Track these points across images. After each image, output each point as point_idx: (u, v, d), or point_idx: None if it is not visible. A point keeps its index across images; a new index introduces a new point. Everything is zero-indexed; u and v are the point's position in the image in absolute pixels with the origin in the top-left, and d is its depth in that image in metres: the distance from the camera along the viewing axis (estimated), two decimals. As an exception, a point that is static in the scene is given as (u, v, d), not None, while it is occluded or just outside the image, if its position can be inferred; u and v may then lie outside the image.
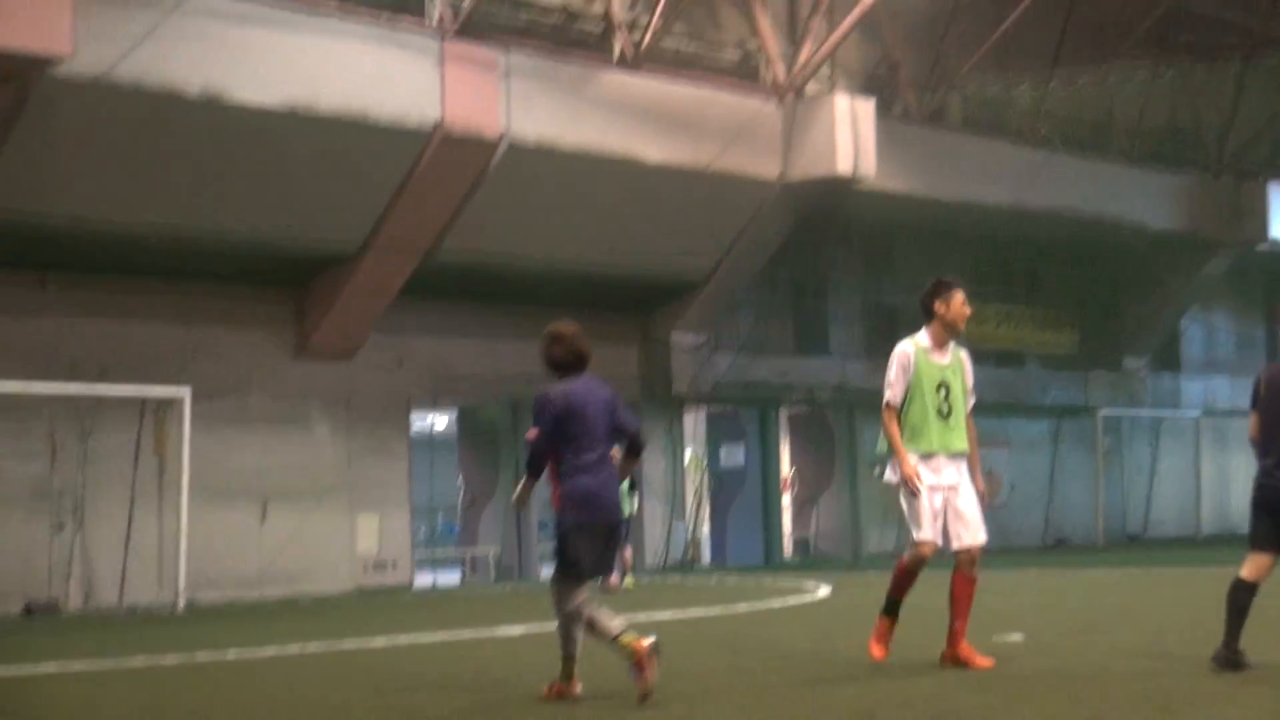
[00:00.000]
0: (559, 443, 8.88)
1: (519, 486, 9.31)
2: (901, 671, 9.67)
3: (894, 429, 9.73)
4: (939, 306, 9.88)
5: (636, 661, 8.46)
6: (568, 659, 8.88)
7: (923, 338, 9.92)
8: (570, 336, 9.09)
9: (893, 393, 9.76)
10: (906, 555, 9.77)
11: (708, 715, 8.21)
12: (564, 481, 8.91)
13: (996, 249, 32.83)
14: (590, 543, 8.86)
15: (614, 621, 8.69)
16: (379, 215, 22.63)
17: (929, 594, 10.16)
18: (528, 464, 9.08)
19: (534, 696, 8.93)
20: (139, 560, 21.69)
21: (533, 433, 8.98)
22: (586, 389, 8.99)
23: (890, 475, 9.81)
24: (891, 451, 9.75)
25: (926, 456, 9.71)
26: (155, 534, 21.72)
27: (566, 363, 9.06)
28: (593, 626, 8.73)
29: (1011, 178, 30.30)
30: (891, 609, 9.91)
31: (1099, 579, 20.41)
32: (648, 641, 8.49)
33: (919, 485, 9.60)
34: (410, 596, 23.22)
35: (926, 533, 9.63)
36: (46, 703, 9.86)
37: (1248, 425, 9.43)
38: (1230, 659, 8.96)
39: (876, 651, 9.90)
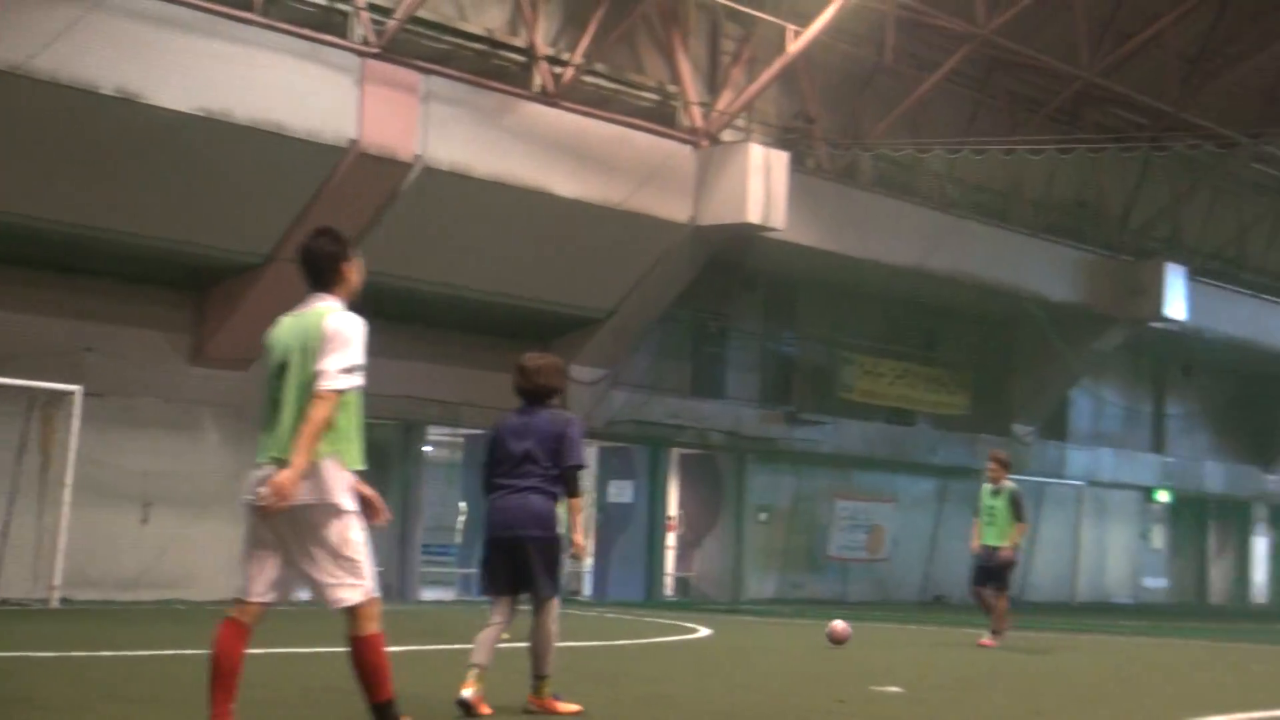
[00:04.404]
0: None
1: None
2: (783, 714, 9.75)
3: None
4: (349, 270, 7.49)
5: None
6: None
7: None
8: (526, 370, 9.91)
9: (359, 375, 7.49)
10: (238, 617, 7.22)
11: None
12: None
13: (897, 308, 33.28)
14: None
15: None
16: (286, 228, 22.52)
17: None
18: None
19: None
20: (15, 554, 21.39)
21: None
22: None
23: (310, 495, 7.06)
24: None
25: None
26: (34, 529, 21.43)
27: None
28: None
29: (917, 239, 30.71)
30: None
31: (975, 637, 20.63)
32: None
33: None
34: (295, 608, 23.03)
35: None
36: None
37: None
38: None
39: None
